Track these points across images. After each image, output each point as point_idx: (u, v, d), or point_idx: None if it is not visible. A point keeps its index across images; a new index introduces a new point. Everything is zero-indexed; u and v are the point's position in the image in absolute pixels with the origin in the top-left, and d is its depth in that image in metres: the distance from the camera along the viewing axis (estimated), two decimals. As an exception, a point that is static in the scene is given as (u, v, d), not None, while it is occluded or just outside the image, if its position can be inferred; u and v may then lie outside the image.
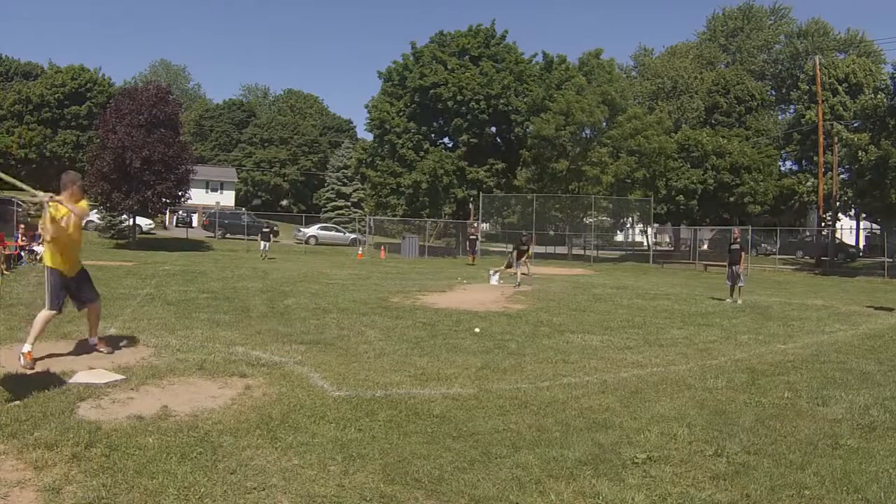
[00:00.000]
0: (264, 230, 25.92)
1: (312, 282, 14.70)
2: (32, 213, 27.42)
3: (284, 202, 62.81)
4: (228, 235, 36.23)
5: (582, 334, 8.22)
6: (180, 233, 36.48)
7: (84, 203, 5.79)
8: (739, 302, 13.10)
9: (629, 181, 31.79)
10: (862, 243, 38.29)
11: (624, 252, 40.09)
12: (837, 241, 31.95)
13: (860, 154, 27.28)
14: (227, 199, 55.97)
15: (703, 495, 3.41)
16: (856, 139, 27.98)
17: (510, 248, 17.78)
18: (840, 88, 36.25)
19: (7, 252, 14.81)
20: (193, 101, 75.66)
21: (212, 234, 35.91)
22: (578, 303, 12.00)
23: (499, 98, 33.02)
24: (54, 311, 5.63)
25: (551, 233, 41.16)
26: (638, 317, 10.19)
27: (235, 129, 69.10)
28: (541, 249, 35.98)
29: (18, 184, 5.46)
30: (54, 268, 5.64)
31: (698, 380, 5.84)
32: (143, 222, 33.41)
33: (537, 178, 34.40)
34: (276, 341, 6.96)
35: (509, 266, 15.97)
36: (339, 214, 49.77)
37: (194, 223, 43.05)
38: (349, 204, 52.37)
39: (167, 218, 42.34)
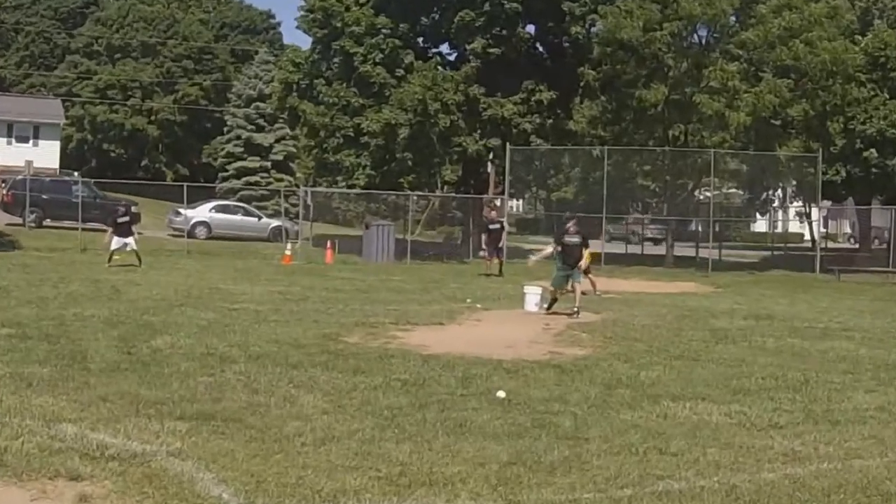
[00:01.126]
0: (119, 219, 24.09)
1: (202, 306, 14.67)
2: None
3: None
4: (49, 222, 36.25)
5: (692, 402, 8.27)
6: (-39, 217, 36.50)
7: None
8: (978, 343, 13.10)
9: (778, 123, 31.80)
10: None
11: (768, 252, 40.07)
12: None
13: None
14: (47, 154, 56.00)
15: None
16: None
17: (550, 244, 17.71)
18: None
19: None
20: (-15, -23, 75.84)
21: (19, 221, 35.93)
22: (686, 344, 12.01)
23: (541, -27, 33.14)
24: None
25: (636, 216, 41.19)
26: (794, 370, 10.22)
27: (61, 29, 69.12)
28: (615, 249, 35.99)
29: None
30: None
31: (904, 485, 5.86)
32: None
33: (611, 119, 34.38)
34: (136, 415, 6.97)
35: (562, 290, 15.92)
36: (249, 184, 49.85)
37: (-13, 200, 43.04)
38: (268, 164, 52.47)
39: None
